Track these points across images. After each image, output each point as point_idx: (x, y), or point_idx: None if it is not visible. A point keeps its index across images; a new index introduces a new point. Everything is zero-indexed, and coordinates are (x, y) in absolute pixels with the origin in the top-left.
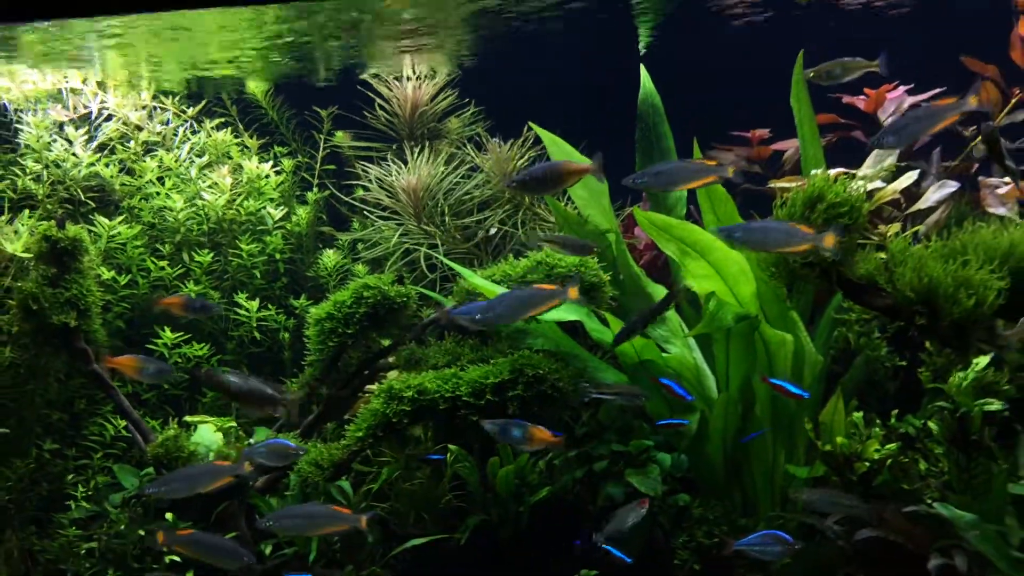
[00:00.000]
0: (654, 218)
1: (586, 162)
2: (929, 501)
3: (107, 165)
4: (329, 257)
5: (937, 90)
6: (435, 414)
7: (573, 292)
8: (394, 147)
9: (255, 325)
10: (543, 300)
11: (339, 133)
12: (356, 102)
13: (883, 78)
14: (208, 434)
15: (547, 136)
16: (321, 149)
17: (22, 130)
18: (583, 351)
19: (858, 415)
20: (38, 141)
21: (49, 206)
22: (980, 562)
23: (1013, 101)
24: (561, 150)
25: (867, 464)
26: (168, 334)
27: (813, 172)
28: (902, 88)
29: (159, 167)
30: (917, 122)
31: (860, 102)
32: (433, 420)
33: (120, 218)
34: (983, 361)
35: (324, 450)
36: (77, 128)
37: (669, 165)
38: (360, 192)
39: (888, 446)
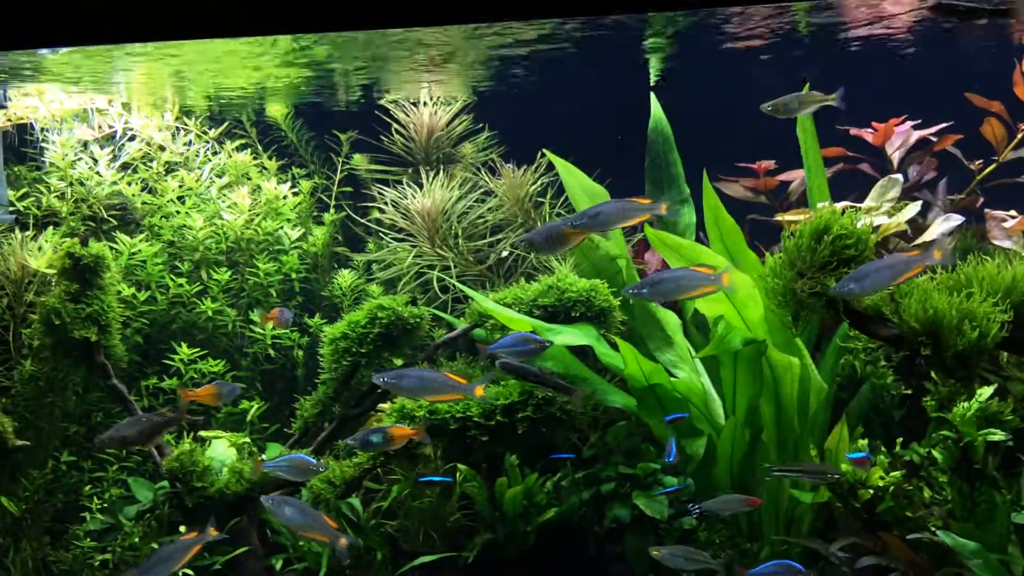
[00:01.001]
0: (665, 238)
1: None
2: (932, 529)
3: (129, 184)
4: (344, 277)
5: (943, 124)
6: (446, 434)
7: (479, 391)
8: (410, 171)
9: (270, 343)
10: (448, 388)
11: (357, 156)
12: (374, 126)
13: (840, 111)
14: (222, 449)
15: (560, 163)
16: (339, 172)
17: (48, 148)
18: (592, 374)
19: (863, 442)
20: (63, 159)
21: (72, 223)
22: None
23: (1019, 136)
24: (573, 177)
25: (871, 491)
26: (185, 350)
27: (820, 205)
28: (909, 123)
29: (180, 187)
30: (883, 271)
31: (868, 135)
32: (444, 440)
33: (141, 236)
34: (987, 391)
35: (336, 467)
36: (102, 147)
37: (605, 206)
38: (376, 214)
39: (892, 474)
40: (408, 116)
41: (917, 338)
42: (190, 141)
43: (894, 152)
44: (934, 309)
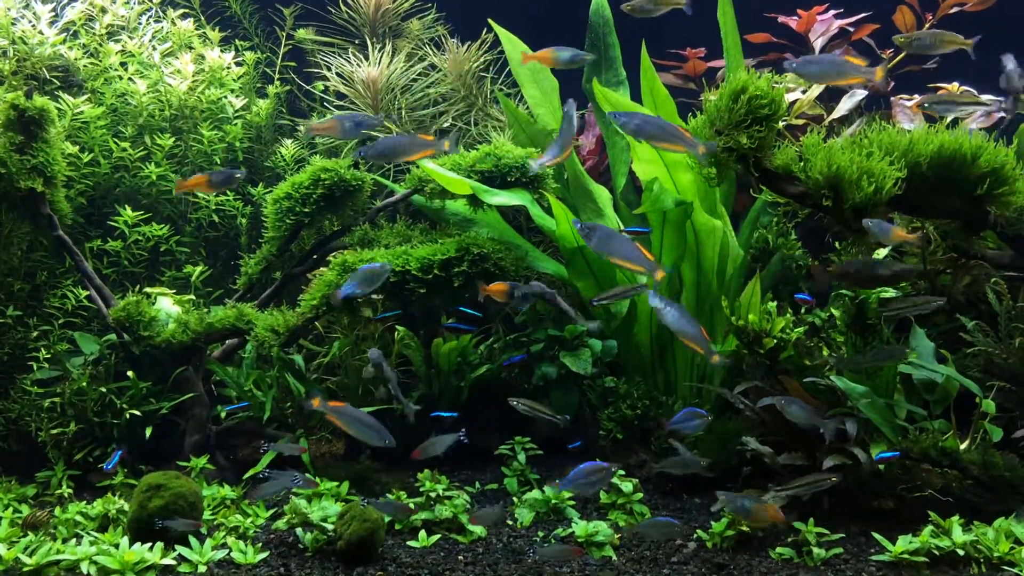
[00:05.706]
0: (609, 96)
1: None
2: (827, 376)
3: (71, 49)
4: (287, 148)
5: (863, 14)
6: (385, 286)
7: None
8: (356, 42)
9: (213, 209)
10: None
11: (301, 31)
12: None
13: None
14: (167, 304)
15: (505, 35)
16: (283, 45)
17: None
18: (525, 241)
19: (772, 304)
20: (4, 16)
21: (14, 83)
22: (868, 428)
23: (927, 26)
24: (516, 49)
25: (774, 340)
26: (128, 212)
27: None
28: (832, 12)
29: (122, 52)
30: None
31: (792, 22)
32: (383, 293)
33: (84, 98)
34: (882, 253)
35: (279, 316)
36: (44, 3)
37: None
38: (320, 86)
39: (796, 329)
40: None
41: (820, 191)
42: (132, 5)
43: (816, 39)
44: (837, 165)
